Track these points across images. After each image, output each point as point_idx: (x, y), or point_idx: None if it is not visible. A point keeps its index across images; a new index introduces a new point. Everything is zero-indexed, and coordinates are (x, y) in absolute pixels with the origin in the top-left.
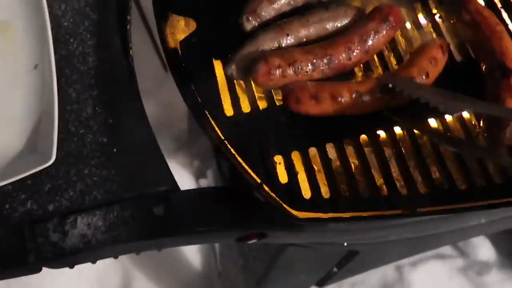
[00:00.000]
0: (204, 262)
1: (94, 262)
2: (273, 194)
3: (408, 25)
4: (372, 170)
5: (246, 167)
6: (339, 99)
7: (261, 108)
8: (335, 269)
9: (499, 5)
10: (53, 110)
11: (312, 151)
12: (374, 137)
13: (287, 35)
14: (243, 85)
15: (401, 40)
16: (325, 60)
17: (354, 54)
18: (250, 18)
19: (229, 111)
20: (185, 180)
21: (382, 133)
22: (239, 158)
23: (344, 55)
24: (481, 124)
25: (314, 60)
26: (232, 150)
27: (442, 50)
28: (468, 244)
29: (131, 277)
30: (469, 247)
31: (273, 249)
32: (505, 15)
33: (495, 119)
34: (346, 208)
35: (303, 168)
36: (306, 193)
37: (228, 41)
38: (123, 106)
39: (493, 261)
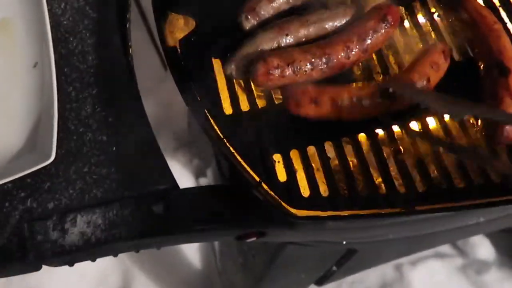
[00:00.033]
0: (204, 261)
1: (93, 260)
2: (271, 193)
3: (406, 23)
4: (371, 169)
5: (245, 166)
6: (339, 103)
7: (260, 107)
8: (334, 268)
9: (497, 4)
10: (52, 108)
11: (311, 149)
12: (372, 136)
13: (287, 34)
14: (242, 84)
15: (399, 39)
16: (323, 60)
17: (353, 53)
18: (249, 17)
19: (228, 109)
20: (184, 179)
21: (380, 132)
22: (238, 157)
23: (342, 54)
24: (479, 123)
25: (313, 60)
26: (231, 148)
27: (444, 55)
28: (468, 243)
29: (131, 275)
30: (468, 246)
31: (273, 247)
32: (503, 13)
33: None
34: (345, 206)
35: (301, 167)
36: (305, 191)
37: (227, 40)
38: (123, 104)
39: (492, 260)
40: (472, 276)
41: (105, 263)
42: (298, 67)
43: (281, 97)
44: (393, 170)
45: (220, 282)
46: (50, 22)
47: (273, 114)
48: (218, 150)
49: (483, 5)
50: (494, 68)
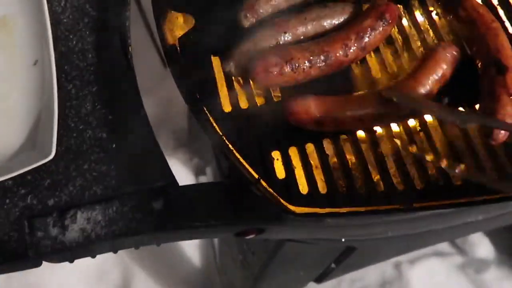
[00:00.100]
0: (203, 258)
1: (93, 256)
2: (270, 190)
3: (405, 22)
4: (369, 166)
5: (244, 163)
6: (342, 121)
7: (259, 104)
8: (333, 265)
9: (495, 2)
10: (52, 106)
11: (310, 147)
12: (371, 133)
13: (285, 32)
14: (241, 81)
15: (397, 37)
16: (322, 57)
17: (351, 51)
18: (248, 15)
19: (227, 107)
20: (184, 177)
21: (379, 129)
22: (237, 154)
23: (341, 52)
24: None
25: (311, 57)
26: (230, 146)
27: (452, 62)
28: (467, 242)
29: (131, 272)
30: (467, 244)
31: (272, 244)
32: (501, 12)
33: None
34: (343, 204)
35: (300, 164)
36: (303, 188)
37: (226, 38)
38: (123, 102)
39: (491, 259)
40: (471, 275)
41: (105, 259)
42: (297, 65)
43: (280, 95)
44: (391, 167)
45: (219, 279)
46: (50, 20)
47: (272, 111)
48: (217, 148)
49: (481, 3)
50: (492, 66)
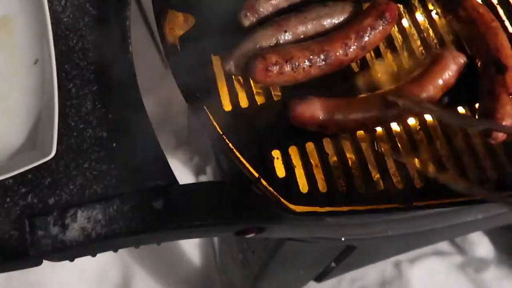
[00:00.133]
0: (203, 257)
1: (94, 255)
2: (270, 188)
3: (404, 21)
4: (369, 165)
5: (244, 162)
6: (345, 125)
7: (259, 103)
8: (333, 264)
9: (495, 2)
10: (53, 105)
11: (310, 146)
12: (371, 133)
13: (285, 31)
14: (241, 81)
15: (397, 36)
16: (322, 56)
17: (351, 50)
18: (248, 14)
19: (227, 106)
20: (184, 176)
21: (379, 129)
22: (237, 153)
23: (341, 51)
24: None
25: (311, 57)
26: (230, 144)
27: (457, 69)
28: (466, 241)
29: (131, 271)
30: (467, 243)
31: (272, 243)
32: (500, 11)
33: (489, 114)
34: (343, 202)
35: (300, 163)
36: (303, 187)
37: (226, 37)
38: (123, 101)
39: (491, 258)
40: (471, 274)
41: (105, 258)
42: (297, 64)
43: (280, 94)
44: (391, 166)
45: (219, 278)
46: (51, 19)
47: (272, 110)
48: (218, 147)
49: (481, 3)
50: (491, 66)
